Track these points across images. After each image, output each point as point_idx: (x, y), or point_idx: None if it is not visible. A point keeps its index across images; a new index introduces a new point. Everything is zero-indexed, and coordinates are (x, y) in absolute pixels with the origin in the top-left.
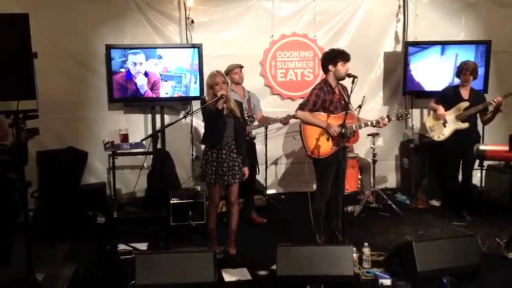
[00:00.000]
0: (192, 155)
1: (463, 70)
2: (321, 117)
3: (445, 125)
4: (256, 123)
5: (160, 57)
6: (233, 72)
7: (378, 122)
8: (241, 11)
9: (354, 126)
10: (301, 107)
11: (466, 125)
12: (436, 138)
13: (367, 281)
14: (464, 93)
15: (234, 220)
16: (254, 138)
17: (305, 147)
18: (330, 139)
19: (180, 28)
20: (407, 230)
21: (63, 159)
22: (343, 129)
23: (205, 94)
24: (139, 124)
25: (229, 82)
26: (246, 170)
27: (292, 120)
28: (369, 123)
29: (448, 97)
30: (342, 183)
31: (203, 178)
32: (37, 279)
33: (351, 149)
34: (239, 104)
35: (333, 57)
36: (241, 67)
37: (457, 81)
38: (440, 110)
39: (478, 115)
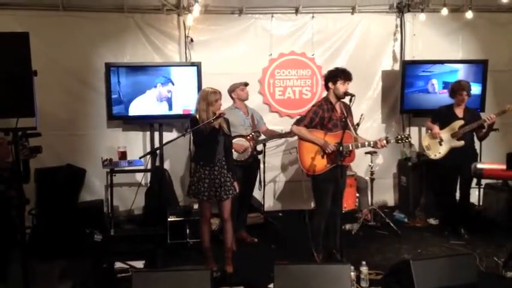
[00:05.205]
0: (191, 172)
1: (459, 90)
2: (318, 134)
3: (441, 144)
4: (263, 136)
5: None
6: (240, 89)
7: (375, 143)
8: (240, 30)
9: (350, 145)
10: (297, 122)
11: (461, 143)
12: (432, 156)
13: None
14: (459, 112)
15: (229, 237)
16: (260, 153)
17: (300, 163)
18: (325, 156)
19: (180, 47)
20: (405, 249)
21: (61, 177)
22: (340, 147)
23: (195, 112)
24: (138, 141)
25: (235, 99)
26: (235, 184)
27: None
28: (366, 143)
29: (442, 116)
30: (340, 200)
31: (195, 195)
32: None
33: (349, 167)
34: (226, 121)
35: (334, 76)
36: (246, 84)
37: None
38: (435, 129)
39: (474, 132)
